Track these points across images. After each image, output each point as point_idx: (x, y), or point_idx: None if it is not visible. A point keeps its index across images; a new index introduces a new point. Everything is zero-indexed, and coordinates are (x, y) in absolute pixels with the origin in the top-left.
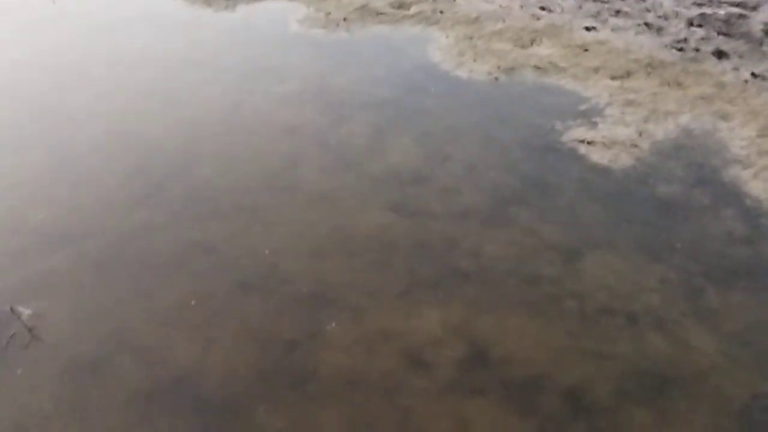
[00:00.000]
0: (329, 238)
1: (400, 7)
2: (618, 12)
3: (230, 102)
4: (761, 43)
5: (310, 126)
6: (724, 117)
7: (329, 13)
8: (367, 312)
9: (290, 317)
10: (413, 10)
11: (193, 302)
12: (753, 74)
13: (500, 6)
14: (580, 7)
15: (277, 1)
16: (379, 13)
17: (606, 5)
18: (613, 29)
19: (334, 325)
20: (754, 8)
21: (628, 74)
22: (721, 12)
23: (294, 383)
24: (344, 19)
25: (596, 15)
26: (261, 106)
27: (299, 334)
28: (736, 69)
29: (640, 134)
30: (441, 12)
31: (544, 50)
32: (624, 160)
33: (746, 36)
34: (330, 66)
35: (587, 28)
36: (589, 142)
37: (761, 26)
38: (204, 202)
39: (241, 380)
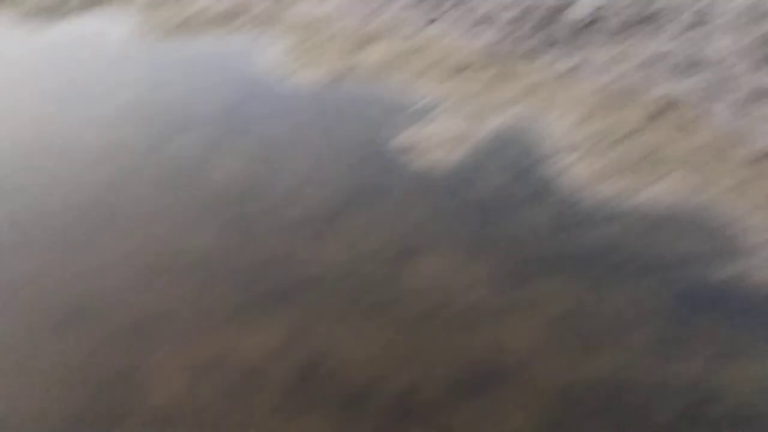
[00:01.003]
0: (155, 262)
1: (234, 15)
2: (454, 6)
3: (48, 124)
4: (578, 36)
5: (137, 143)
6: (547, 108)
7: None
8: (196, 334)
9: (110, 349)
10: (250, 14)
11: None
12: (570, 66)
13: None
14: (416, 6)
15: (101, 16)
16: (209, 22)
17: (439, 4)
18: (448, 25)
19: (160, 354)
20: (571, 3)
21: (458, 71)
22: (543, 6)
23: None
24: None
25: (435, 6)
26: (83, 125)
27: (125, 364)
28: (556, 61)
29: (467, 131)
30: (274, 19)
31: (378, 52)
32: (451, 158)
33: (567, 28)
34: (156, 80)
35: (423, 26)
36: (417, 145)
37: (580, 18)
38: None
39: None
